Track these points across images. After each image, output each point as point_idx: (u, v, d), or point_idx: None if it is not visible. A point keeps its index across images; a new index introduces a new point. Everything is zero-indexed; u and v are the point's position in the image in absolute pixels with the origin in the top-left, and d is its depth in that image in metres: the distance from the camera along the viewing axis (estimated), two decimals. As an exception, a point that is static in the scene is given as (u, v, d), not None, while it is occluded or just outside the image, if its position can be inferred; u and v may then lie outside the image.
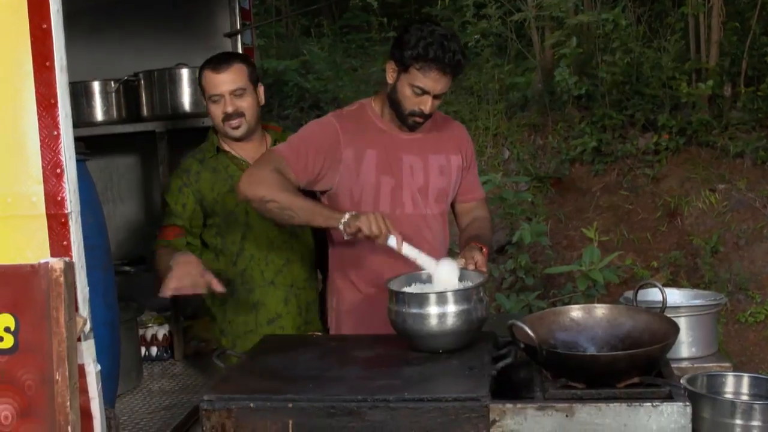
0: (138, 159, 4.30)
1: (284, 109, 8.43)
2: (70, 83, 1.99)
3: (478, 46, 8.12)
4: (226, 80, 2.94)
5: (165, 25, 4.11)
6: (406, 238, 2.51)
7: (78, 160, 2.08)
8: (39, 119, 1.96)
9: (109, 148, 4.19)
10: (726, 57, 7.05)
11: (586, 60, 7.50)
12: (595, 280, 4.59)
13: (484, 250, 2.73)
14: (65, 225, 1.97)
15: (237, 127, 2.98)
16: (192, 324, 3.96)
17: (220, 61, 2.99)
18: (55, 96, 1.95)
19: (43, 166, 1.97)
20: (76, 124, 3.82)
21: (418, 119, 2.73)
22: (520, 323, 2.12)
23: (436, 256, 2.58)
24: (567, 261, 6.06)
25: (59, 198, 1.97)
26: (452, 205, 3.06)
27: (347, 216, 2.48)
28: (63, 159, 1.97)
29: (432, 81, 2.63)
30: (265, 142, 3.13)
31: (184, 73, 3.77)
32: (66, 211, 1.97)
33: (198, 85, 3.09)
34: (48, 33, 1.93)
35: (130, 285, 4.00)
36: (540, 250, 6.15)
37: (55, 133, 1.96)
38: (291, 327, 3.04)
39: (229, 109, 2.95)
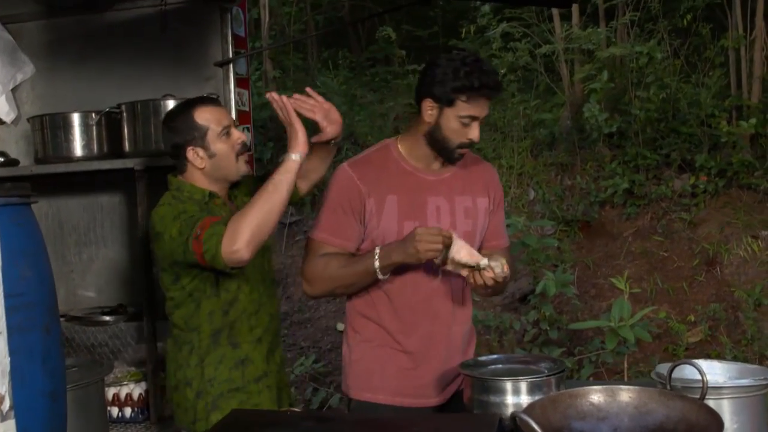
0: (122, 198, 3.99)
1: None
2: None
3: (504, 81, 8.10)
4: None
5: (153, 53, 3.82)
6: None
7: (19, 204, 1.93)
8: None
9: (91, 185, 3.92)
10: (769, 93, 7.14)
11: (618, 95, 7.41)
12: (625, 338, 4.22)
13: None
14: (-22, 285, 1.71)
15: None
16: (173, 381, 3.61)
17: None
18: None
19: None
20: (53, 159, 3.61)
21: (464, 151, 2.73)
22: (524, 416, 1.74)
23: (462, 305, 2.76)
24: (595, 312, 5.92)
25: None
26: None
27: (377, 261, 2.59)
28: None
29: (481, 107, 2.65)
30: None
31: (170, 105, 3.44)
32: (-22, 268, 1.71)
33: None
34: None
35: (108, 336, 3.69)
36: (566, 300, 5.97)
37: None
38: (275, 384, 2.88)
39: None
